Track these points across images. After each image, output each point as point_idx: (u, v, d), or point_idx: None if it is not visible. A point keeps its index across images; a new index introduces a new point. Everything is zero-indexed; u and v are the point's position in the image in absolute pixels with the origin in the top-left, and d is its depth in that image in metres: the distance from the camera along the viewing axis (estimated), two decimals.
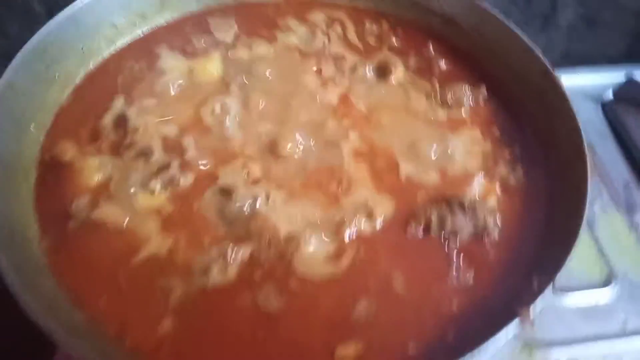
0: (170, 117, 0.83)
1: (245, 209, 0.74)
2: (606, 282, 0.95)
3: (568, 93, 0.78)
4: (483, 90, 0.86)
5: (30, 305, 0.58)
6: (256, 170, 0.78)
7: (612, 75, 1.24)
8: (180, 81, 0.88)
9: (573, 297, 0.95)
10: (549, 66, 0.81)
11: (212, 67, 0.90)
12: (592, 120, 1.17)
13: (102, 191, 0.75)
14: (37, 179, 0.76)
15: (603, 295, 0.94)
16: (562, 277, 0.96)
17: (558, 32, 1.39)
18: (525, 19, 1.31)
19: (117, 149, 0.79)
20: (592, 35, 1.38)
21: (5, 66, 1.23)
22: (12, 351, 0.78)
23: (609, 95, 1.20)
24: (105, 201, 0.74)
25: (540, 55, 0.82)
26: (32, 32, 1.19)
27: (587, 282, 0.96)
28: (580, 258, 0.98)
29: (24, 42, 1.20)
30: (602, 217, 1.04)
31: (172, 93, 0.86)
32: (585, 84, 1.22)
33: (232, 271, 0.69)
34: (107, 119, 0.82)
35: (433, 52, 0.92)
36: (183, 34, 0.94)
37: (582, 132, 0.74)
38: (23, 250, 0.67)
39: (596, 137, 1.14)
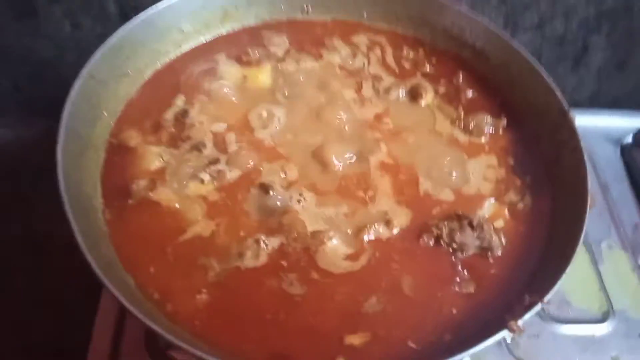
0: (222, 117, 0.94)
1: (279, 205, 0.84)
2: (604, 317, 1.01)
3: (579, 131, 0.85)
4: (503, 122, 0.94)
5: (92, 263, 0.69)
6: (293, 172, 0.88)
7: (635, 119, 1.29)
8: (234, 86, 0.98)
9: (571, 328, 1.02)
10: (566, 106, 0.89)
11: (263, 76, 1.00)
12: (611, 161, 1.24)
13: (159, 176, 0.86)
14: (105, 158, 0.87)
15: (600, 329, 1.00)
16: (563, 307, 1.04)
17: (588, 73, 1.46)
18: (557, 59, 1.38)
19: (174, 141, 0.90)
20: (621, 78, 1.44)
21: (77, 52, 1.38)
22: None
23: (629, 138, 1.26)
24: (161, 185, 0.84)
25: (560, 95, 0.90)
26: (104, 27, 1.34)
27: (586, 315, 1.03)
28: (583, 291, 1.05)
29: (95, 34, 1.35)
30: (608, 254, 1.10)
31: (226, 96, 0.97)
32: (608, 126, 1.28)
33: (263, 257, 0.79)
34: (169, 114, 0.93)
35: (462, 81, 1.00)
36: (240, 44, 1.05)
37: (587, 167, 0.81)
38: (88, 217, 0.78)
39: (612, 178, 1.20)
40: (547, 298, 0.70)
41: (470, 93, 0.99)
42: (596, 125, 1.27)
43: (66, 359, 1.16)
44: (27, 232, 1.33)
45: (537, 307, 0.70)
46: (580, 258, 0.79)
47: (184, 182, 0.86)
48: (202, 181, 0.86)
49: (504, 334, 0.68)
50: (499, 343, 0.97)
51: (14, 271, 1.26)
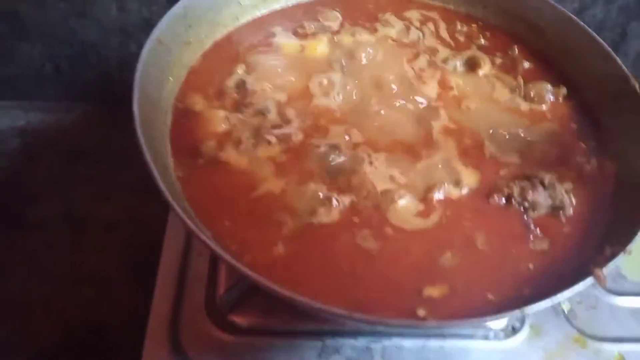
0: (283, 86, 0.95)
1: (347, 166, 0.84)
2: None
3: None
4: (564, 90, 0.95)
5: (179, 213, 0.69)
6: (357, 135, 0.89)
7: None
8: (293, 57, 1.00)
9: (627, 300, 1.02)
10: (627, 72, 0.90)
11: (321, 46, 1.02)
12: None
13: (227, 138, 0.86)
14: (172, 121, 0.88)
15: None
16: (618, 281, 1.04)
17: (626, 60, 1.47)
18: None
19: (238, 107, 0.91)
20: None
21: (121, 36, 1.40)
22: None
23: None
24: (229, 146, 0.85)
25: (620, 62, 0.91)
26: (150, 12, 1.35)
27: None
28: (637, 266, 1.06)
29: (141, 17, 1.36)
30: None
31: (286, 66, 0.98)
32: None
33: (335, 214, 0.79)
34: (230, 82, 0.94)
35: (517, 53, 1.02)
36: (295, 18, 1.07)
37: None
38: (162, 173, 0.78)
39: None
40: (629, 247, 0.70)
41: (526, 64, 1.00)
42: None
43: (105, 336, 1.16)
44: (66, 212, 1.33)
45: (620, 256, 0.70)
46: None
47: (251, 143, 0.86)
48: (268, 142, 0.86)
49: (590, 281, 0.68)
50: (558, 313, 0.98)
51: (54, 250, 1.26)
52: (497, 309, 0.70)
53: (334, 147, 0.86)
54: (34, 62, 1.41)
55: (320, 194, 0.81)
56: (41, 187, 1.36)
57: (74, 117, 1.50)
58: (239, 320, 0.90)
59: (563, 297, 0.67)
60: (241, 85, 0.94)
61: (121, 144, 0.76)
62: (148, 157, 0.72)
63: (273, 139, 0.87)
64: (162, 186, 0.69)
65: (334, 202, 0.80)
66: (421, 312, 0.69)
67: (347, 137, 0.88)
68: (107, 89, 1.46)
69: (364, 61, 1.00)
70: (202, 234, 0.67)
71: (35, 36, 1.36)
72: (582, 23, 0.98)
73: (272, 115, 0.90)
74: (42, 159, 1.42)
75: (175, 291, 0.93)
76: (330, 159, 0.85)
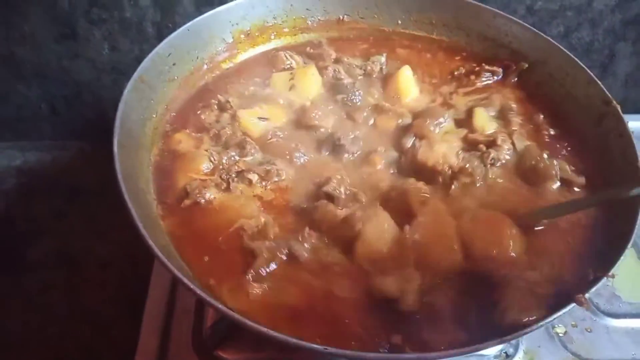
0: (271, 117, 0.96)
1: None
2: None
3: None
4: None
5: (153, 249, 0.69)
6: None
7: None
8: (281, 89, 1.01)
9: (623, 322, 1.00)
10: (608, 95, 0.90)
11: (310, 73, 1.02)
12: None
13: (210, 176, 0.86)
14: (155, 158, 0.89)
15: None
16: (613, 302, 1.02)
17: (616, 80, 1.48)
18: None
19: (220, 141, 0.92)
20: None
21: (114, 75, 1.42)
22: None
23: None
24: (212, 186, 0.85)
25: (601, 85, 0.91)
26: (141, 49, 1.38)
27: (637, 309, 1.02)
28: (632, 286, 1.04)
29: (133, 56, 1.39)
30: None
31: (273, 99, 0.99)
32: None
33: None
34: (213, 116, 0.96)
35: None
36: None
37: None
38: (143, 209, 0.78)
39: None
40: (613, 271, 0.69)
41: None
42: None
43: None
44: (62, 249, 1.34)
45: (602, 281, 0.69)
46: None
47: (233, 183, 0.86)
48: (249, 182, 0.86)
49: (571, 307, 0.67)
50: (552, 338, 0.96)
51: (50, 287, 1.26)
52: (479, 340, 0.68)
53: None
54: (30, 103, 1.44)
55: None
56: (38, 226, 1.38)
57: (70, 155, 1.52)
58: (226, 355, 0.89)
59: (544, 323, 0.66)
60: (225, 119, 0.96)
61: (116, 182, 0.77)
62: (126, 196, 0.73)
63: (255, 177, 0.87)
64: (143, 230, 0.70)
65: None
66: (396, 339, 0.68)
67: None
68: (102, 127, 1.45)
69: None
70: (174, 268, 0.67)
71: (30, 77, 1.40)
72: (562, 48, 0.98)
73: (253, 150, 0.90)
74: (38, 197, 1.43)
75: (162, 326, 0.93)
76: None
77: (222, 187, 0.86)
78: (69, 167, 1.51)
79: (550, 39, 1.01)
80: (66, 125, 1.50)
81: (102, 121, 1.48)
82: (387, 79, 1.04)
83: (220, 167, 0.88)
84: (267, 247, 0.76)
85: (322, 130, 0.94)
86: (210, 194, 0.84)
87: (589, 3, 1.32)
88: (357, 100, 0.99)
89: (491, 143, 0.91)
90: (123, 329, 1.16)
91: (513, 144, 0.92)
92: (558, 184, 0.87)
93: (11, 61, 1.36)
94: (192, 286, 0.65)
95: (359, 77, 1.05)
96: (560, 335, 0.96)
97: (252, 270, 0.73)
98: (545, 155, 0.88)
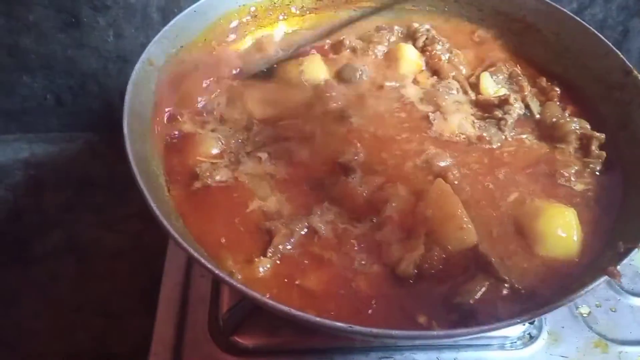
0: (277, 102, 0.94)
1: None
2: None
3: None
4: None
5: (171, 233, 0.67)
6: None
7: None
8: (287, 73, 0.99)
9: None
10: (628, 64, 0.88)
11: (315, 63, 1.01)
12: None
13: (219, 158, 0.85)
14: (165, 140, 0.87)
15: None
16: (637, 281, 1.00)
17: (630, 58, 1.45)
18: None
19: (225, 122, 0.91)
20: None
21: (120, 63, 1.41)
22: None
23: None
24: (222, 166, 0.84)
25: (620, 55, 0.89)
26: (146, 35, 1.36)
27: None
28: None
29: (138, 43, 1.37)
30: None
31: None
32: None
33: None
34: (220, 98, 0.95)
35: None
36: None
37: None
38: (156, 192, 0.77)
39: None
40: None
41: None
42: None
43: None
44: (72, 242, 1.33)
45: (633, 252, 0.67)
46: None
47: (243, 161, 0.85)
48: (259, 160, 0.85)
49: (604, 279, 0.65)
50: (576, 318, 0.94)
51: (60, 279, 1.25)
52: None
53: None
54: (35, 94, 1.43)
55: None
56: (46, 218, 1.36)
57: (77, 146, 1.50)
58: (243, 340, 0.87)
59: (577, 297, 0.64)
60: (230, 100, 0.94)
61: (125, 172, 0.75)
62: (139, 179, 0.71)
63: (264, 155, 0.85)
64: (155, 209, 0.68)
65: None
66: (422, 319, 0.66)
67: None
68: (109, 117, 1.46)
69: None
70: (193, 251, 0.65)
71: (35, 68, 1.38)
72: (581, 20, 0.96)
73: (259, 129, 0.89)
74: (46, 190, 1.42)
75: (177, 314, 0.91)
76: None
77: (232, 168, 0.84)
78: (77, 159, 1.50)
79: (565, 10, 0.99)
80: (72, 117, 1.48)
81: (109, 111, 1.46)
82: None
83: (229, 150, 0.86)
84: (284, 223, 0.74)
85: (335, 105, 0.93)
86: (220, 176, 0.82)
87: None
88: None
89: (503, 102, 0.90)
90: (135, 320, 1.15)
91: (528, 105, 0.91)
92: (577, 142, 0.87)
93: (16, 52, 1.34)
94: (209, 265, 0.64)
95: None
96: (585, 315, 0.94)
97: (271, 248, 0.72)
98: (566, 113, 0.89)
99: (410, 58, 1.01)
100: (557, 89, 0.96)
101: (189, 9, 0.97)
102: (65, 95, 1.45)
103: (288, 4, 1.09)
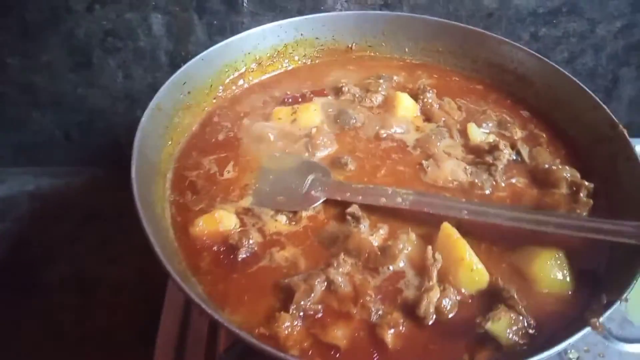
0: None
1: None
2: None
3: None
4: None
5: (172, 275, 0.71)
6: None
7: None
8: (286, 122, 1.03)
9: (636, 347, 1.00)
10: (614, 119, 0.92)
11: (312, 109, 1.04)
12: None
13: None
14: (171, 185, 0.91)
15: None
16: (625, 327, 1.02)
17: (620, 105, 1.50)
18: None
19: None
20: None
21: (127, 102, 1.45)
22: None
23: None
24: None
25: (607, 110, 0.93)
26: (154, 77, 1.41)
27: None
28: None
29: (146, 84, 1.42)
30: None
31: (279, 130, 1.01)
32: None
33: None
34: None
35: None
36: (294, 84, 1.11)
37: None
38: (160, 234, 0.79)
39: None
40: (626, 295, 0.70)
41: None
42: None
43: None
44: (76, 275, 1.35)
45: (616, 305, 0.70)
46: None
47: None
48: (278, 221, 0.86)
49: (586, 331, 0.68)
50: None
51: (63, 310, 1.27)
52: None
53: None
54: (45, 129, 1.47)
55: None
56: (51, 250, 1.39)
57: (83, 181, 1.54)
58: None
59: (560, 348, 0.66)
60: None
61: (129, 207, 0.77)
62: (144, 221, 0.74)
63: (283, 218, 0.86)
64: (159, 252, 0.71)
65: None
66: None
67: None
68: (116, 153, 1.49)
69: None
70: (190, 292, 0.68)
71: (46, 105, 1.43)
72: (569, 74, 1.01)
73: None
74: (51, 222, 1.45)
75: (175, 350, 0.93)
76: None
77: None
78: (82, 192, 1.53)
79: (555, 65, 1.04)
80: (79, 152, 1.53)
81: (116, 147, 1.50)
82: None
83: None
84: (303, 279, 0.76)
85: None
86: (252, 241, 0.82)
87: (591, 30, 1.36)
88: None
89: (493, 148, 0.95)
90: (134, 353, 1.17)
91: (518, 151, 0.96)
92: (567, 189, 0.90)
93: (29, 89, 1.39)
94: (204, 306, 0.67)
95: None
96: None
97: (294, 305, 0.73)
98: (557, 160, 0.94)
99: (406, 105, 1.05)
100: (544, 135, 1.00)
101: (197, 57, 1.02)
102: (73, 131, 1.50)
103: (291, 53, 1.14)
